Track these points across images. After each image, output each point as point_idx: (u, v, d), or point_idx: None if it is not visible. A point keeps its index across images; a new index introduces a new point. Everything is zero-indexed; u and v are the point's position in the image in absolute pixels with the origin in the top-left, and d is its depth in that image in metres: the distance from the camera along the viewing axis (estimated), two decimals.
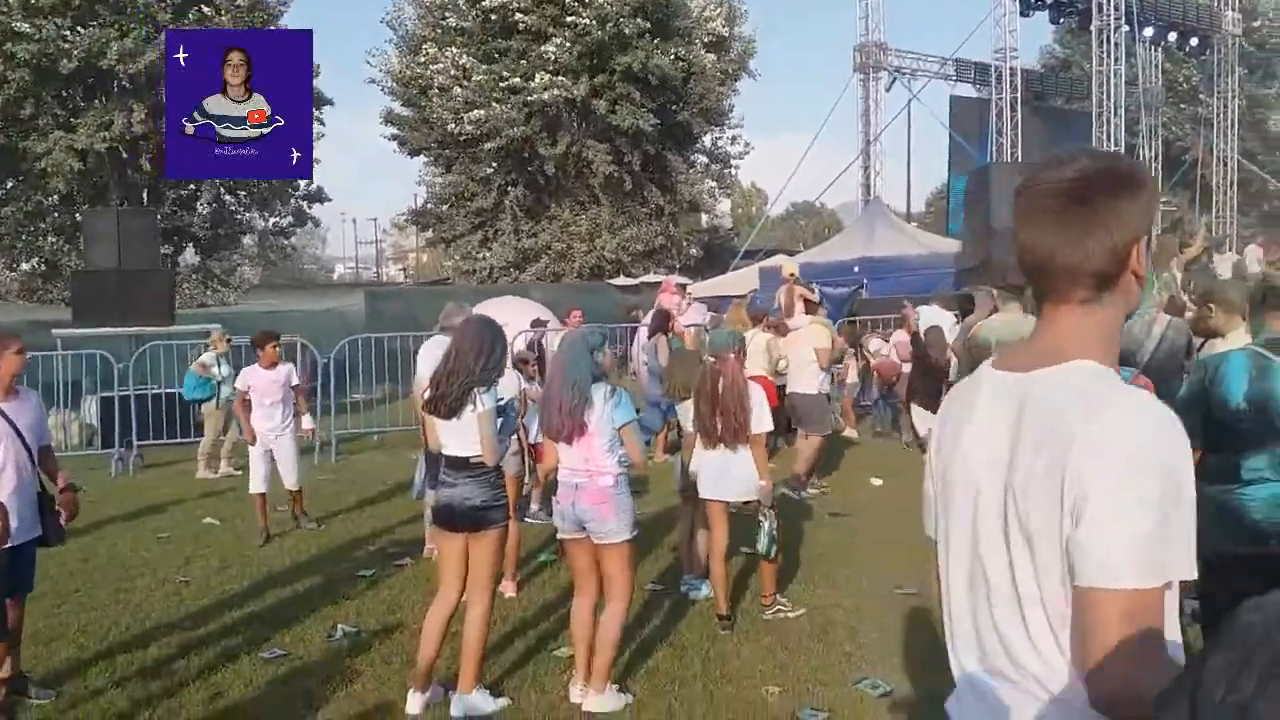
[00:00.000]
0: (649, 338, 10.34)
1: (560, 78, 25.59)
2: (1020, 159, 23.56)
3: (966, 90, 30.58)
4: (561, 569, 6.50)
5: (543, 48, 25.91)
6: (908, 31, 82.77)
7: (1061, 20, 28.17)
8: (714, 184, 31.73)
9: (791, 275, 10.40)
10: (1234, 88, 29.28)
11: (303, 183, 26.02)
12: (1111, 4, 23.76)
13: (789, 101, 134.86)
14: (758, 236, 33.89)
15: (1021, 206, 1.44)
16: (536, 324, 11.34)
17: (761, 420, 5.38)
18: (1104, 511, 1.25)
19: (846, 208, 47.25)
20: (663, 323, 10.19)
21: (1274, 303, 3.52)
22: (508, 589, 5.84)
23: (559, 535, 4.54)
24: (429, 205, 31.57)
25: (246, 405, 7.76)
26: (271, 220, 26.82)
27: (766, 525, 5.32)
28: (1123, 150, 23.30)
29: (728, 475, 5.37)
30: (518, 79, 26.03)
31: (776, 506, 5.60)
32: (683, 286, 16.05)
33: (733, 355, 5.42)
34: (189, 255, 25.36)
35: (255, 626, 5.47)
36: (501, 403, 4.50)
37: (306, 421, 8.36)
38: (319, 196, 26.85)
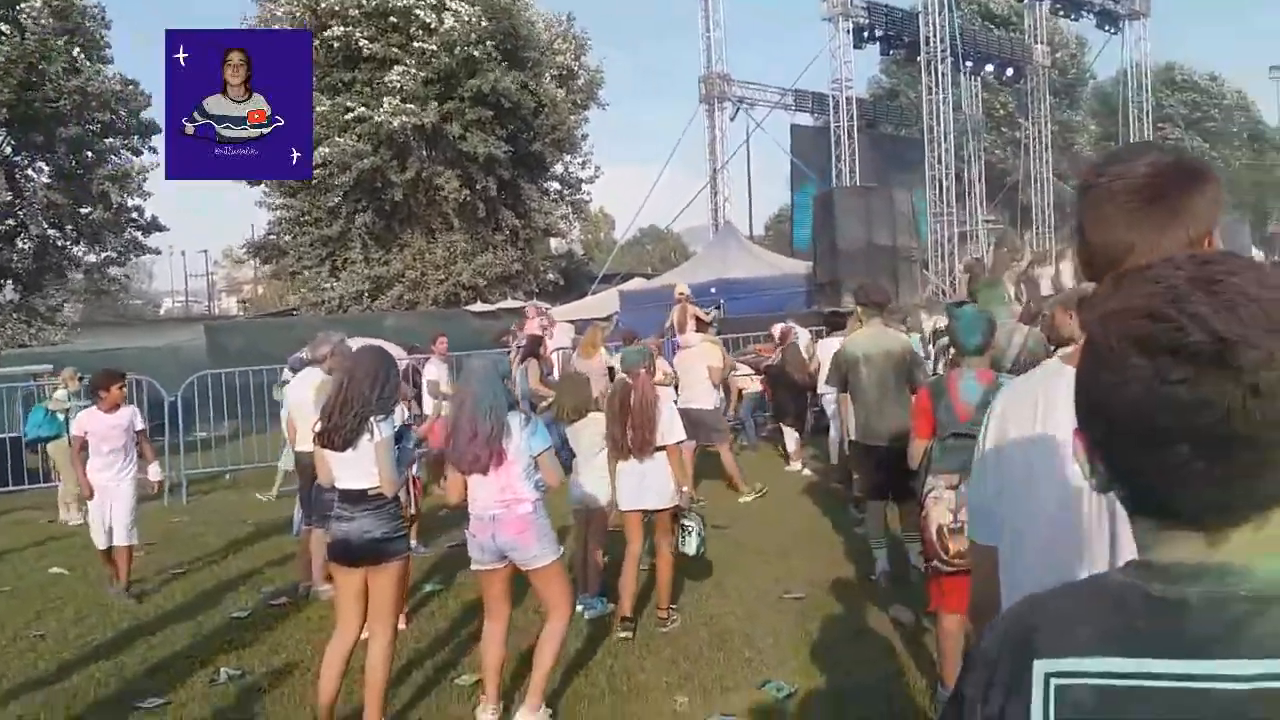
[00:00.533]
0: (519, 362, 10.31)
1: (408, 105, 25.22)
2: (859, 183, 24.74)
3: (805, 119, 31.93)
4: (450, 599, 6.41)
5: (388, 76, 25.49)
6: (750, 63, 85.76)
7: (891, 52, 29.84)
8: (569, 210, 31.91)
9: (683, 295, 10.66)
10: (1046, 114, 31.73)
11: (136, 213, 24.50)
12: (937, 38, 25.37)
13: (636, 130, 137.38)
14: (608, 261, 34.25)
15: (1091, 205, 1.41)
16: (414, 352, 11.09)
17: (674, 430, 5.59)
18: None
19: (692, 232, 48.32)
20: (534, 347, 10.19)
21: None
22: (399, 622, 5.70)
23: (474, 567, 4.46)
24: (271, 236, 30.35)
25: (84, 453, 6.84)
26: (104, 254, 24.98)
27: (695, 528, 5.62)
28: (952, 172, 24.88)
29: (645, 486, 5.54)
30: (363, 108, 25.51)
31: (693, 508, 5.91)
32: (545, 311, 16.08)
33: (643, 370, 5.62)
34: (8, 292, 23.42)
35: (127, 677, 5.13)
36: (397, 429, 4.43)
37: (154, 472, 7.39)
38: (155, 226, 25.29)
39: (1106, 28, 32.10)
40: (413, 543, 7.45)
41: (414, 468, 6.40)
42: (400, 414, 6.03)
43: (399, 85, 25.30)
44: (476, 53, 25.27)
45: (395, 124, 25.05)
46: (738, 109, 30.41)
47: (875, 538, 6.33)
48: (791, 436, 10.88)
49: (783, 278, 19.56)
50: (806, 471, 10.35)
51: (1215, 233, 1.37)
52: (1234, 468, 0.78)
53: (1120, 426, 0.82)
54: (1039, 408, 1.48)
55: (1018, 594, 1.45)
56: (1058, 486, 1.42)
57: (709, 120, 30.41)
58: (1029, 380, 1.59)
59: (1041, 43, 31.35)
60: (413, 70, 25.35)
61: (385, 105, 25.06)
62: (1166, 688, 0.79)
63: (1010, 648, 0.89)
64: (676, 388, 9.35)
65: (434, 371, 10.22)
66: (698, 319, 9.87)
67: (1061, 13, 31.44)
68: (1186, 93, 45.58)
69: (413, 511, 6.65)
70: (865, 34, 27.46)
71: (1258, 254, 17.64)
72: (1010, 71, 30.89)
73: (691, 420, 9.01)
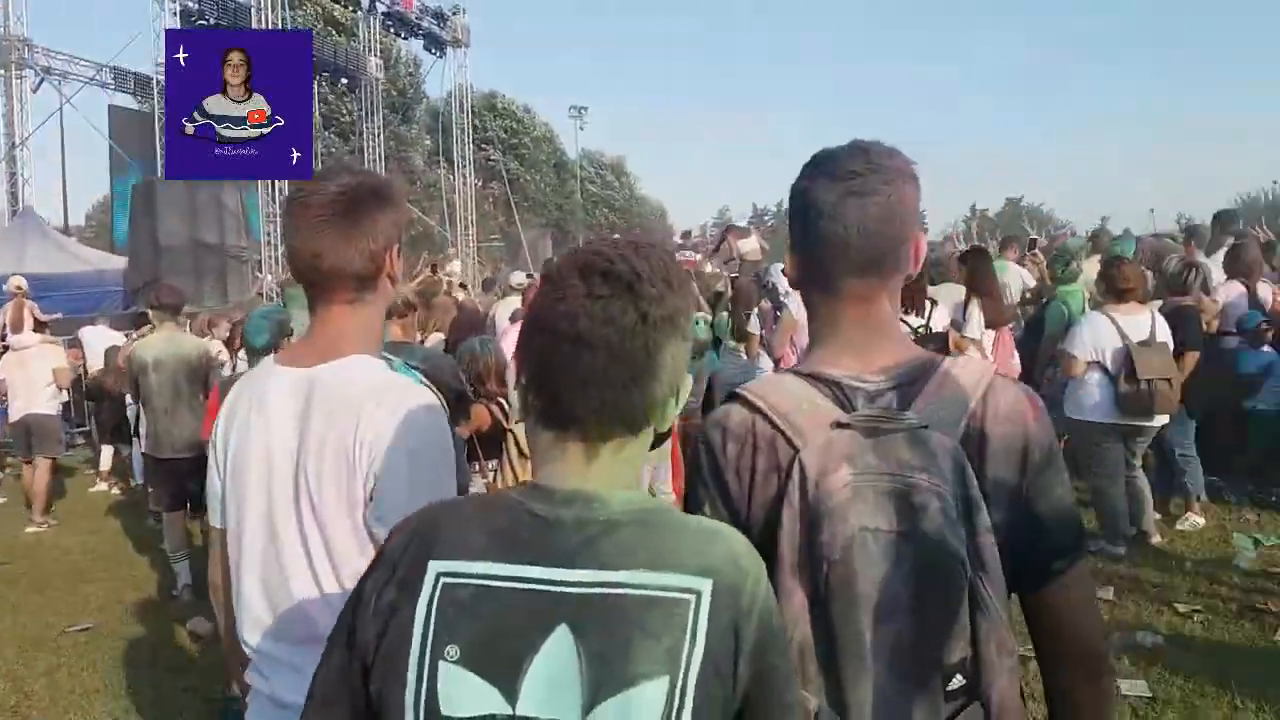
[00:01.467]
0: None
1: None
2: None
3: (127, 100, 29.08)
4: None
5: None
6: (61, 31, 74.72)
7: None
8: None
9: (20, 289, 9.13)
10: (379, 125, 33.14)
11: None
12: None
13: None
14: None
15: (293, 217, 1.58)
16: None
17: None
18: (402, 476, 1.48)
19: None
20: None
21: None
22: None
23: None
24: None
25: None
26: None
27: None
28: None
29: None
30: None
31: None
32: None
33: None
34: None
35: None
36: None
37: None
38: None
39: (433, 51, 34.62)
40: None
41: None
42: None
43: None
44: None
45: None
46: (41, 79, 26.54)
47: (175, 551, 6.09)
48: (108, 453, 9.94)
49: (97, 275, 17.54)
50: (115, 491, 9.55)
51: (395, 249, 1.62)
52: (618, 378, 1.01)
53: (549, 332, 1.02)
54: (252, 402, 1.64)
55: (240, 573, 1.61)
56: (265, 480, 1.58)
57: (4, 89, 26.07)
58: (251, 376, 1.75)
59: (376, 55, 32.69)
60: None
61: None
62: (530, 589, 0.99)
63: (413, 549, 1.04)
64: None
65: None
66: (35, 318, 8.60)
67: (393, 30, 33.11)
68: (505, 119, 51.34)
69: None
70: (194, 19, 25.92)
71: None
72: (345, 81, 31.66)
73: (32, 429, 8.17)
